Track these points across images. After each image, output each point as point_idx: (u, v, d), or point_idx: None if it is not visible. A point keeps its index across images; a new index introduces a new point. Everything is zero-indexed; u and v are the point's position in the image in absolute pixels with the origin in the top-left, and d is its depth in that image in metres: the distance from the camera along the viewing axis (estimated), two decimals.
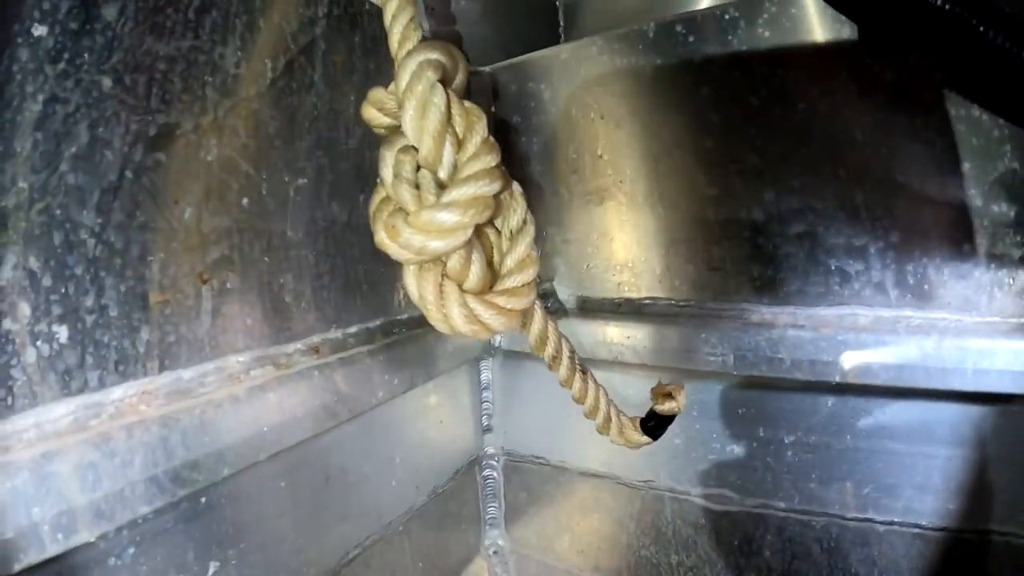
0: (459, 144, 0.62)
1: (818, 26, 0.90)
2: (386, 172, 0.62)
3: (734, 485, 1.05)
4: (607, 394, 0.82)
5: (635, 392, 1.00)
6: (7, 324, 0.53)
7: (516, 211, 0.67)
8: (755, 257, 0.99)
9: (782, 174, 0.95)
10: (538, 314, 0.73)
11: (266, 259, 0.78)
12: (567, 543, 1.26)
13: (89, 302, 0.59)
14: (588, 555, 1.23)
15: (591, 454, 0.98)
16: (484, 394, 1.30)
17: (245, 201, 0.75)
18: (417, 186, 0.60)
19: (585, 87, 1.12)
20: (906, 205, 0.89)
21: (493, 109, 1.24)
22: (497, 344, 1.27)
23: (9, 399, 0.53)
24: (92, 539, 0.57)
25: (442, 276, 0.62)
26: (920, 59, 0.83)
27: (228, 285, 0.73)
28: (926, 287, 0.89)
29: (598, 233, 1.14)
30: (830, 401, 0.96)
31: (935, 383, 0.88)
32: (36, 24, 0.53)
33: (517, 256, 0.66)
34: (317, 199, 0.85)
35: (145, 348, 0.64)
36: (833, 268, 0.93)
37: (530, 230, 0.68)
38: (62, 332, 0.57)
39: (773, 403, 1.00)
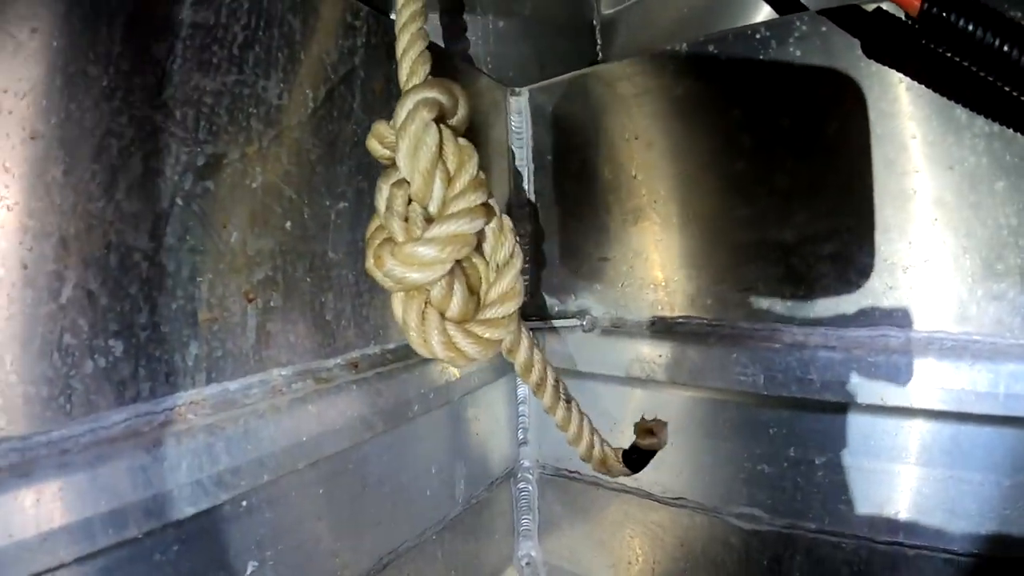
0: (450, 181, 0.65)
1: (848, 45, 0.91)
2: (380, 203, 0.66)
3: (764, 504, 1.04)
4: (591, 423, 0.85)
5: (663, 411, 1.02)
6: (67, 339, 0.58)
7: (504, 244, 0.70)
8: (787, 278, 0.99)
9: (813, 195, 0.96)
10: (524, 342, 0.76)
11: (308, 279, 0.82)
12: (598, 557, 1.27)
13: (143, 319, 0.64)
14: (619, 570, 1.24)
15: None
16: (520, 408, 1.33)
17: (288, 224, 0.79)
18: (406, 219, 0.64)
19: (620, 108, 1.14)
20: (938, 224, 0.89)
21: (531, 129, 1.27)
22: None
23: (68, 406, 0.58)
24: (140, 535, 0.62)
25: (425, 303, 0.65)
26: (952, 76, 0.84)
27: (272, 303, 0.77)
28: (958, 308, 0.89)
29: (633, 252, 1.16)
30: (861, 422, 0.95)
31: (967, 406, 0.87)
32: (90, 65, 0.58)
33: (501, 289, 0.69)
34: (357, 221, 0.89)
35: (194, 362, 0.69)
36: (864, 289, 0.94)
37: (516, 264, 0.71)
38: (118, 346, 0.62)
39: (804, 423, 1.00)
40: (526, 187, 1.29)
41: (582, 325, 1.20)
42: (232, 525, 0.72)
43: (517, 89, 1.26)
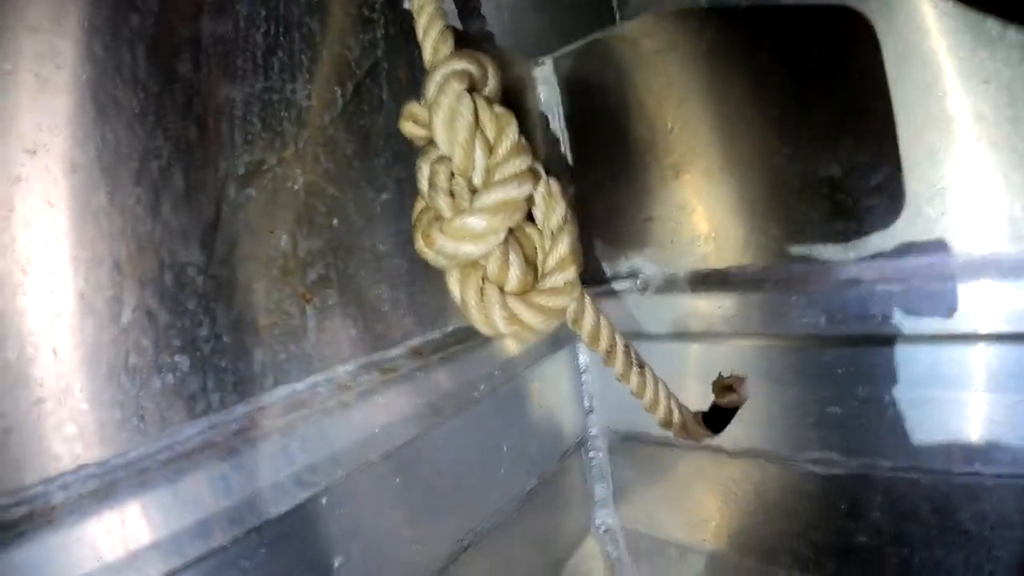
0: (491, 149, 0.64)
1: None
2: (423, 182, 0.65)
3: (837, 447, 1.02)
4: (667, 388, 0.82)
5: (725, 364, 1.01)
6: (133, 360, 0.59)
7: (556, 209, 0.68)
8: (836, 214, 0.97)
9: (852, 126, 0.93)
10: (589, 309, 0.73)
11: (361, 272, 0.83)
12: (675, 518, 1.27)
13: (204, 332, 0.65)
14: (696, 528, 1.23)
15: None
16: (583, 376, 1.32)
17: (335, 221, 0.80)
18: (451, 193, 0.63)
19: (646, 65, 1.12)
20: (981, 142, 0.85)
21: (559, 98, 1.26)
22: None
23: (142, 426, 0.60)
24: (226, 544, 0.63)
25: (482, 279, 0.64)
26: None
27: (329, 301, 0.78)
28: (1011, 226, 0.86)
29: (677, 207, 1.14)
30: (927, 353, 0.92)
31: None
32: (119, 91, 0.59)
33: (558, 255, 0.67)
34: (401, 210, 0.89)
35: (259, 367, 0.70)
36: (915, 216, 0.91)
37: (571, 228, 0.69)
38: (183, 361, 0.63)
39: (869, 360, 0.97)
40: (562, 155, 1.28)
41: (635, 286, 1.19)
42: (314, 523, 0.74)
43: (541, 60, 1.25)
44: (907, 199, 0.91)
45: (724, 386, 0.81)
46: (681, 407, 0.83)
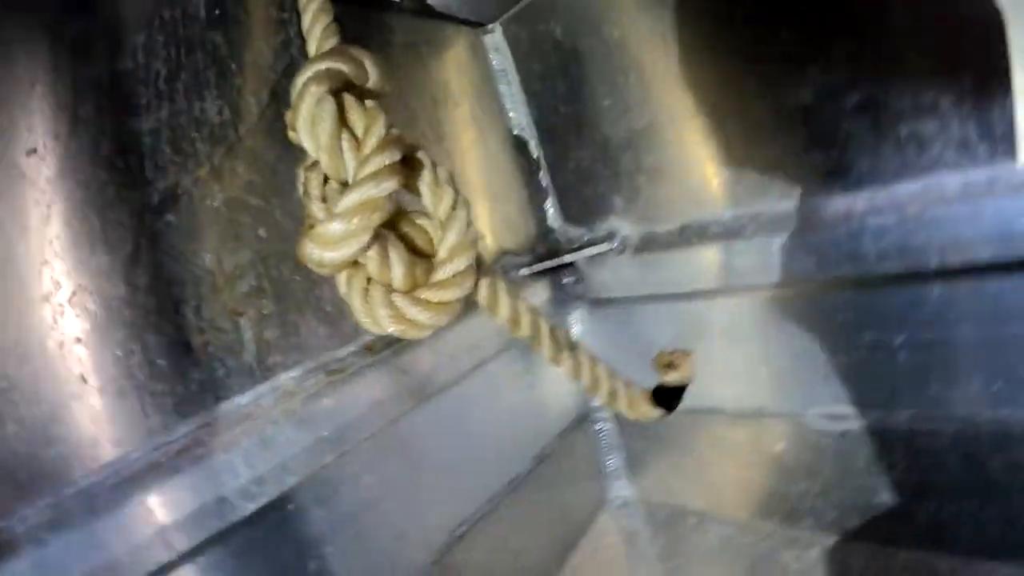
0: (360, 149, 0.62)
1: None
2: (300, 190, 0.64)
3: (849, 400, 0.95)
4: (607, 366, 0.77)
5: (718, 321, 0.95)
6: (70, 391, 0.62)
7: (444, 197, 0.65)
8: (814, 143, 0.89)
9: (823, 44, 0.85)
10: (503, 295, 0.70)
11: (297, 277, 0.83)
12: (692, 486, 1.22)
13: (137, 359, 0.67)
14: (713, 495, 1.18)
15: (699, 390, 0.92)
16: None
17: (262, 231, 0.80)
18: (324, 199, 0.61)
19: (594, 12, 1.06)
20: (975, 40, 0.75)
21: (513, 63, 1.22)
22: (580, 293, 1.24)
23: (90, 452, 0.63)
24: (177, 558, 0.66)
25: (367, 279, 0.62)
26: None
27: (264, 311, 0.79)
28: (1018, 134, 0.75)
29: (647, 159, 1.08)
30: (935, 290, 0.84)
31: None
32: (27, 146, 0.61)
33: (448, 245, 0.64)
34: None
35: (198, 386, 0.72)
36: (904, 135, 0.82)
37: (461, 215, 0.65)
38: (120, 389, 0.66)
39: (873, 303, 0.89)
40: (522, 122, 1.24)
41: (612, 248, 1.14)
42: (282, 529, 0.76)
43: (489, 27, 1.21)
44: (892, 117, 0.83)
45: (665, 363, 0.76)
46: (627, 385, 0.78)
